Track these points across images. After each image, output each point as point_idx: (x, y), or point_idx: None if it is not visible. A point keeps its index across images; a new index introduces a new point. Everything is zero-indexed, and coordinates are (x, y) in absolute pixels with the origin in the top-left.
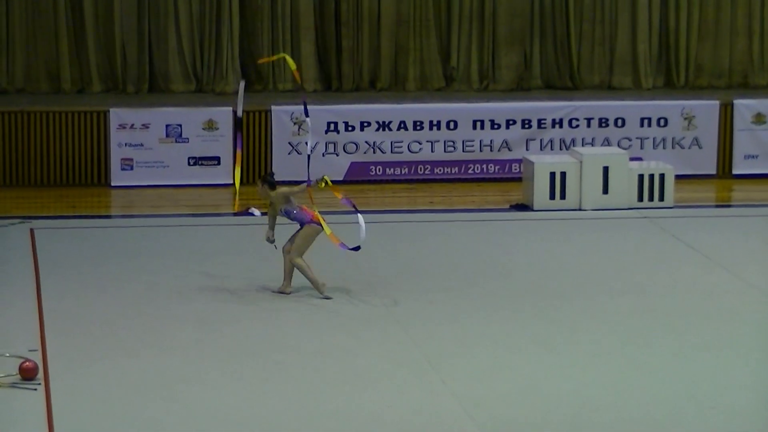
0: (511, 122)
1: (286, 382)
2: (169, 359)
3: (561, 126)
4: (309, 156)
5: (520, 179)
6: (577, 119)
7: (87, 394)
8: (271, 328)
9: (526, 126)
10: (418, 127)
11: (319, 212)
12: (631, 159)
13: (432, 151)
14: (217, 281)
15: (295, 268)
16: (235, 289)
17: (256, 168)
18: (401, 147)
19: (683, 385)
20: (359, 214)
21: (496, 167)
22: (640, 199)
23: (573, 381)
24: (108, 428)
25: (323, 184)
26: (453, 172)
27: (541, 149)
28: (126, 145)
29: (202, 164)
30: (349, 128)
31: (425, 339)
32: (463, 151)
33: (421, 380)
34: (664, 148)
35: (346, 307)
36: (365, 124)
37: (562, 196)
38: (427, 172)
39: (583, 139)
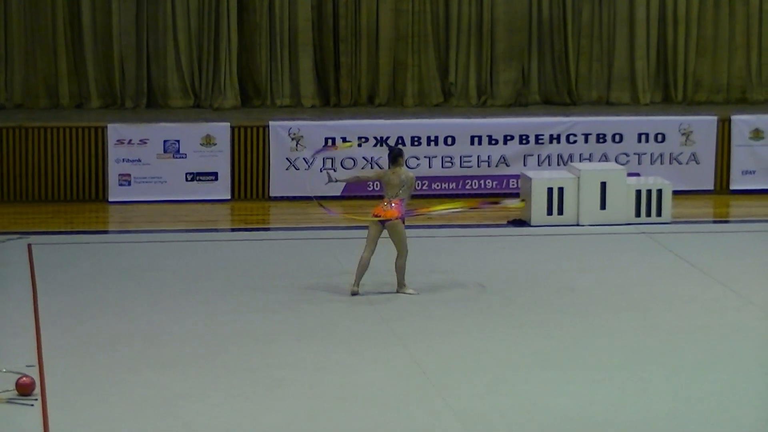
0: (509, 138)
1: (286, 399)
2: (168, 376)
3: (559, 141)
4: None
5: (517, 195)
6: (575, 135)
7: (85, 410)
8: (271, 344)
9: (524, 141)
10: (416, 143)
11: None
12: (629, 174)
13: (430, 167)
14: (215, 297)
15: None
16: (233, 305)
17: (253, 183)
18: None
19: (684, 401)
20: None
21: (494, 183)
22: (638, 214)
23: (574, 398)
24: None
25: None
26: (451, 187)
27: (538, 165)
28: (124, 160)
29: (199, 180)
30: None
31: (425, 355)
32: (461, 166)
33: (421, 397)
34: (661, 163)
35: (346, 322)
36: (363, 140)
37: (560, 212)
38: (425, 187)
39: (580, 155)
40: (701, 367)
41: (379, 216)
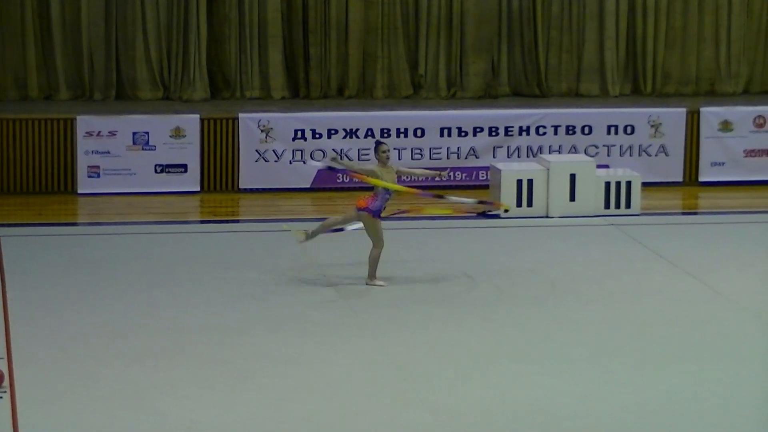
0: (478, 130)
1: (256, 391)
2: (138, 368)
3: (528, 133)
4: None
5: (487, 186)
6: (545, 127)
7: (54, 402)
8: (241, 336)
9: (494, 133)
10: (386, 135)
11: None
12: (598, 166)
13: (399, 159)
14: (185, 289)
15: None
16: (203, 296)
17: (223, 175)
18: (368, 154)
19: (653, 393)
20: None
21: (464, 175)
22: (607, 206)
23: (544, 389)
24: None
25: None
26: (420, 180)
27: (508, 157)
28: (93, 152)
29: (169, 172)
30: (317, 136)
31: (396, 347)
32: (431, 158)
33: (392, 389)
34: (631, 155)
35: (316, 314)
36: (333, 132)
37: (529, 204)
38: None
39: (550, 147)
40: (670, 358)
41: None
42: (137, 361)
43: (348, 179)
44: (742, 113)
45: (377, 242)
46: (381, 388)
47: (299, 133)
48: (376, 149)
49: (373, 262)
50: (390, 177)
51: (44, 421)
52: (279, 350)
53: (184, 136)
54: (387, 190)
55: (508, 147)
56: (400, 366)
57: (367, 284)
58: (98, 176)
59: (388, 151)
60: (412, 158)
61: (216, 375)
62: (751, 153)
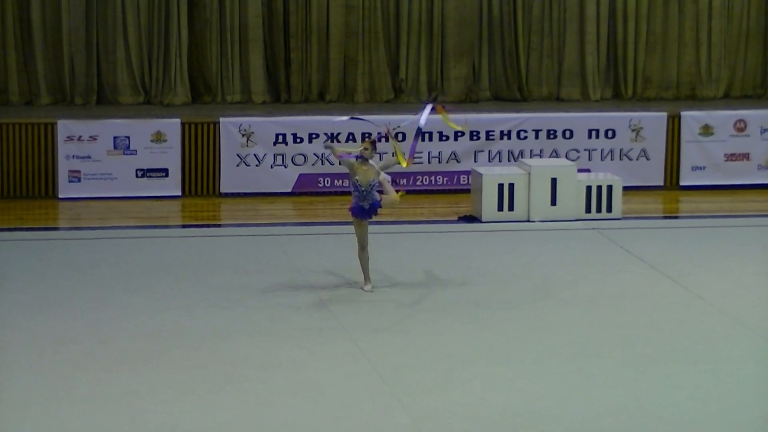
0: (459, 134)
1: (236, 395)
2: (118, 373)
3: (509, 138)
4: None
5: (468, 191)
6: (526, 131)
7: (33, 407)
8: (221, 340)
9: (475, 138)
10: (366, 138)
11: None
12: (579, 170)
13: (380, 161)
14: (165, 294)
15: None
16: (183, 301)
17: (204, 180)
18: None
19: (632, 396)
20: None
21: (445, 179)
22: (588, 210)
23: (523, 393)
24: None
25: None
26: (401, 183)
27: (489, 161)
28: (74, 157)
29: (150, 176)
30: (298, 140)
31: (375, 351)
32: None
33: (371, 392)
34: (612, 159)
35: (296, 318)
36: (314, 136)
37: (511, 208)
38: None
39: (531, 151)
40: (650, 362)
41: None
42: (117, 366)
43: (329, 183)
44: (722, 117)
45: (359, 242)
46: (361, 393)
47: (280, 137)
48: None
49: (361, 264)
50: (364, 176)
51: (23, 425)
52: (259, 355)
53: (165, 141)
54: (356, 186)
55: (489, 151)
56: (379, 370)
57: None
58: (79, 181)
59: (367, 148)
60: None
61: (196, 379)
62: (731, 157)
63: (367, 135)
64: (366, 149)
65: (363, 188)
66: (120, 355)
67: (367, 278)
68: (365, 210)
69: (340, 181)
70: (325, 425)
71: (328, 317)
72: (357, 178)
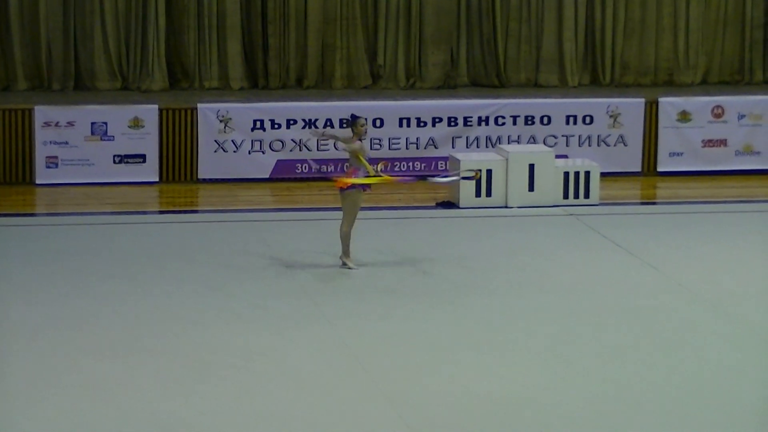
0: (437, 120)
1: (216, 382)
2: (97, 360)
3: (487, 124)
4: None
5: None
6: (504, 117)
7: (13, 396)
8: (200, 327)
9: (453, 124)
10: (345, 125)
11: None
12: (557, 156)
13: None
14: (143, 280)
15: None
16: (162, 288)
17: (181, 166)
18: (327, 144)
19: (612, 382)
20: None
21: (423, 165)
22: (566, 196)
23: (503, 380)
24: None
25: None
26: (379, 169)
27: (467, 147)
28: (51, 143)
29: (127, 162)
30: (276, 126)
31: (355, 338)
32: (390, 148)
33: (351, 380)
34: (589, 145)
35: (275, 305)
36: (291, 122)
37: (488, 194)
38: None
39: (509, 137)
40: (629, 348)
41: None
42: (96, 353)
43: (308, 169)
44: (700, 103)
45: (350, 219)
46: (341, 380)
47: (258, 123)
48: (353, 123)
49: (346, 239)
50: (365, 151)
51: (3, 415)
52: (240, 342)
53: (143, 127)
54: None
55: (467, 137)
56: (360, 357)
57: (342, 261)
58: (56, 167)
59: (366, 124)
60: (371, 148)
61: (175, 366)
62: (709, 143)
63: (355, 116)
64: (363, 126)
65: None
66: (99, 342)
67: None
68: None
69: (318, 166)
70: (305, 412)
71: (308, 304)
72: (368, 153)
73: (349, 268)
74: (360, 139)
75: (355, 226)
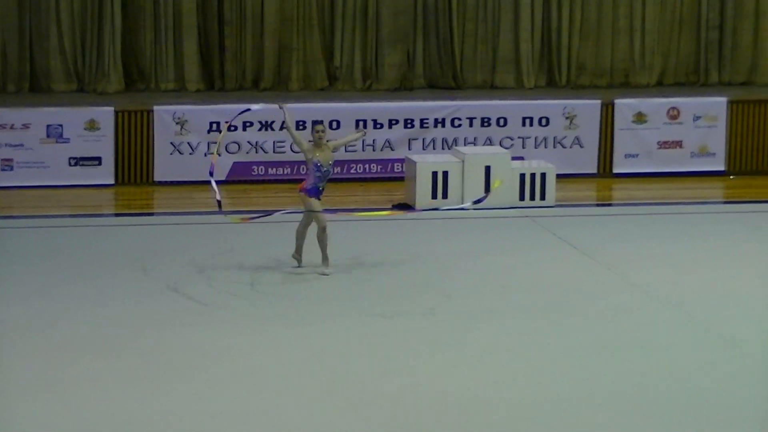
0: (393, 122)
1: (177, 383)
2: (59, 360)
3: (443, 125)
4: None
5: (402, 179)
6: (460, 119)
7: None
8: (160, 328)
9: (409, 125)
10: (301, 127)
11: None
12: (513, 158)
13: None
14: (100, 283)
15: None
16: (119, 290)
17: (137, 168)
18: (284, 147)
19: (571, 382)
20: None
21: (379, 167)
22: (522, 198)
23: (463, 379)
24: None
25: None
26: (335, 171)
27: (423, 149)
28: (6, 145)
29: (83, 164)
30: (232, 128)
31: (316, 339)
32: (346, 150)
33: (313, 381)
34: (545, 147)
35: (235, 306)
36: (248, 124)
37: (444, 196)
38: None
39: (465, 139)
40: (586, 349)
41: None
42: (56, 355)
43: (263, 171)
44: (655, 105)
45: (318, 221)
46: (303, 381)
47: (214, 125)
48: (312, 129)
49: (322, 245)
50: (324, 156)
51: None
52: (199, 342)
53: (99, 129)
54: (318, 167)
55: (423, 139)
56: (321, 358)
57: (319, 272)
58: (11, 169)
59: (322, 131)
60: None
61: (136, 368)
62: (664, 144)
63: (319, 121)
64: (318, 132)
65: (325, 168)
66: (58, 344)
67: (326, 259)
68: (320, 191)
69: (275, 169)
70: (266, 412)
71: (266, 305)
72: (318, 158)
73: (324, 273)
74: (314, 144)
75: (313, 226)
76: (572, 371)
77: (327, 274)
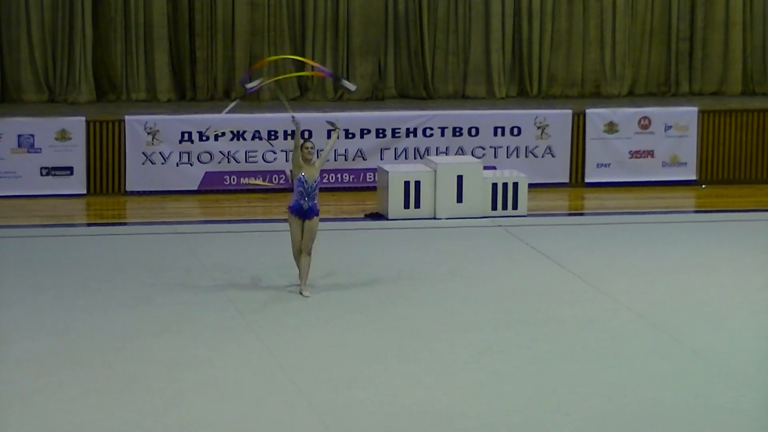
0: (365, 132)
1: (142, 394)
2: (22, 371)
3: (415, 135)
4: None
5: (374, 188)
6: (431, 128)
7: None
8: (127, 339)
9: (381, 135)
10: (273, 137)
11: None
12: (485, 168)
13: (286, 161)
14: (70, 293)
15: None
16: (89, 300)
17: (109, 178)
18: (256, 156)
19: (539, 392)
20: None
21: (351, 176)
22: (494, 207)
23: (431, 390)
24: None
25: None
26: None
27: (395, 158)
28: None
29: (54, 174)
30: (204, 138)
31: (282, 348)
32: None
33: (278, 390)
34: (517, 156)
35: (203, 317)
36: (219, 134)
37: (417, 205)
38: (282, 181)
39: (437, 149)
40: (556, 357)
41: None
42: (21, 365)
43: (235, 181)
44: (626, 115)
45: (294, 246)
46: (268, 391)
47: (186, 135)
48: (301, 147)
49: (303, 270)
50: (310, 173)
51: None
52: (166, 353)
53: (70, 139)
54: (301, 183)
55: (395, 149)
56: (286, 368)
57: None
58: None
59: (311, 148)
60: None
61: (102, 379)
62: (636, 154)
63: (308, 139)
64: (306, 149)
65: (308, 184)
66: (24, 354)
67: (305, 282)
68: (304, 210)
69: (246, 178)
70: (232, 423)
71: (234, 315)
72: (304, 174)
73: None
74: (303, 159)
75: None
76: (541, 381)
77: (307, 296)
